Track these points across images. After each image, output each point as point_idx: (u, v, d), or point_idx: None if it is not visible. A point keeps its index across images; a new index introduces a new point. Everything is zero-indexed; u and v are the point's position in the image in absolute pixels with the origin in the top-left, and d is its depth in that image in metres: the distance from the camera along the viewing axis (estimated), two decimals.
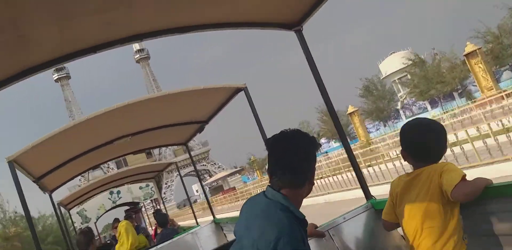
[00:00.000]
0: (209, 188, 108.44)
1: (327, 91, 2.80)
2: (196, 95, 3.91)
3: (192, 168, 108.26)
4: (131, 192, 10.59)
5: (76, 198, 8.43)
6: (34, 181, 4.14)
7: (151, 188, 10.78)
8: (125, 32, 2.25)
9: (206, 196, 7.01)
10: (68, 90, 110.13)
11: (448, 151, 8.87)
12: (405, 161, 1.79)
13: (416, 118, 1.88)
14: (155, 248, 5.18)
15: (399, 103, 47.57)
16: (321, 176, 16.77)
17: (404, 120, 42.78)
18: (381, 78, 53.87)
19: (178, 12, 2.27)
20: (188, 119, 4.74)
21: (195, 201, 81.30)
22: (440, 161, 1.73)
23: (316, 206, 13.98)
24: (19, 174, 3.35)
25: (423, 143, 1.69)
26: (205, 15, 2.43)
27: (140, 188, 10.67)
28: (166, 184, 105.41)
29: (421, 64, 36.47)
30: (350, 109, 34.88)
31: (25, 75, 2.07)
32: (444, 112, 27.32)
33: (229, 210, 28.04)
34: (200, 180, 6.60)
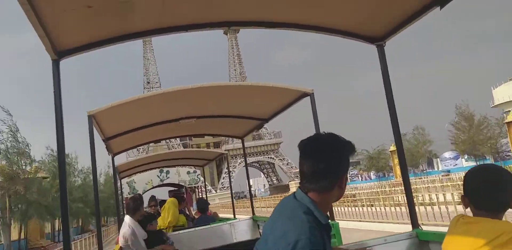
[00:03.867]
0: (269, 185, 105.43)
1: (395, 110, 2.79)
2: (264, 91, 4.06)
3: (258, 159, 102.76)
4: (179, 174, 11.10)
5: (130, 168, 8.99)
6: (103, 140, 4.51)
7: (197, 175, 11.20)
8: (218, 16, 2.44)
9: (250, 193, 7.14)
10: (149, 47, 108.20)
11: None
12: (466, 207, 1.61)
13: (483, 165, 1.72)
14: (193, 229, 5.50)
15: None
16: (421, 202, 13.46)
17: None
18: (491, 106, 47.09)
19: (270, 7, 2.42)
20: (250, 114, 4.91)
21: (252, 195, 79.48)
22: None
23: None
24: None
25: (485, 193, 1.53)
26: (295, 14, 2.56)
27: (188, 173, 11.13)
28: (227, 168, 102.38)
29: None
30: (511, 117, 24.80)
31: (124, 39, 2.33)
32: None
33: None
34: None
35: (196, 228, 5.58)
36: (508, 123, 25.02)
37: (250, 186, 7.38)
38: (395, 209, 13.37)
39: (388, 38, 2.73)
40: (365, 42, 2.79)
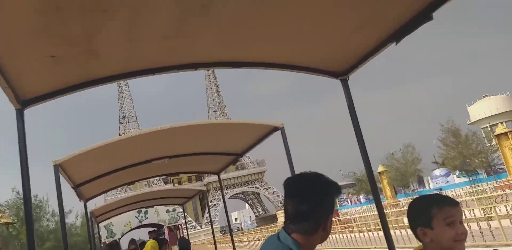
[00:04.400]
0: (256, 216, 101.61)
1: (364, 143, 2.84)
2: (234, 128, 4.09)
3: (242, 189, 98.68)
4: (157, 214, 10.76)
5: (106, 211, 8.67)
6: (73, 188, 4.38)
7: (177, 213, 10.88)
8: (183, 59, 2.48)
9: (230, 228, 6.95)
10: (123, 81, 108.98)
11: None
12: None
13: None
14: None
15: None
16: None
17: None
18: (468, 123, 46.70)
19: (234, 48, 2.48)
20: (224, 150, 4.90)
21: (239, 229, 75.69)
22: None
23: None
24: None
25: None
26: (259, 54, 2.62)
27: (167, 211, 10.82)
28: (211, 202, 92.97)
29: None
30: (500, 129, 24.70)
31: (90, 86, 2.32)
32: None
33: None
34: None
35: None
36: (498, 135, 24.83)
37: (229, 221, 7.21)
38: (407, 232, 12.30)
39: (350, 72, 2.82)
40: (330, 77, 2.88)
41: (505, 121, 47.94)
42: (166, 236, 14.66)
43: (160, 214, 10.76)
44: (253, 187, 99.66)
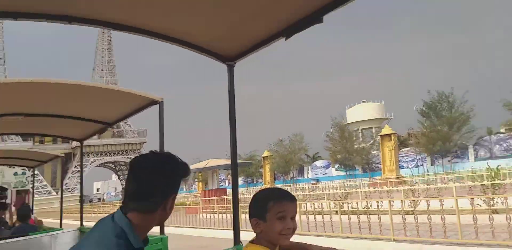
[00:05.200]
0: (122, 188, 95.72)
1: (235, 130, 2.89)
2: (109, 95, 3.79)
3: (116, 158, 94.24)
4: (3, 175, 9.51)
5: None
6: None
7: (26, 178, 9.77)
8: (56, 8, 2.16)
9: (81, 198, 6.53)
10: None
11: None
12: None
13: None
14: (3, 241, 4.65)
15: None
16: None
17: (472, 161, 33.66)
18: (345, 123, 49.88)
19: (119, 8, 2.25)
20: (93, 117, 4.53)
21: (100, 200, 71.89)
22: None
23: None
24: None
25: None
26: (145, 20, 2.43)
27: (15, 174, 9.62)
28: (75, 167, 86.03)
29: None
30: (386, 130, 26.40)
31: None
32: None
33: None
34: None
35: (8, 240, 4.75)
36: (382, 136, 26.89)
37: (82, 189, 6.74)
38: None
39: (238, 59, 2.84)
40: (217, 60, 2.85)
41: (374, 128, 53.91)
42: (13, 200, 13.14)
43: (5, 175, 9.52)
44: (127, 158, 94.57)
